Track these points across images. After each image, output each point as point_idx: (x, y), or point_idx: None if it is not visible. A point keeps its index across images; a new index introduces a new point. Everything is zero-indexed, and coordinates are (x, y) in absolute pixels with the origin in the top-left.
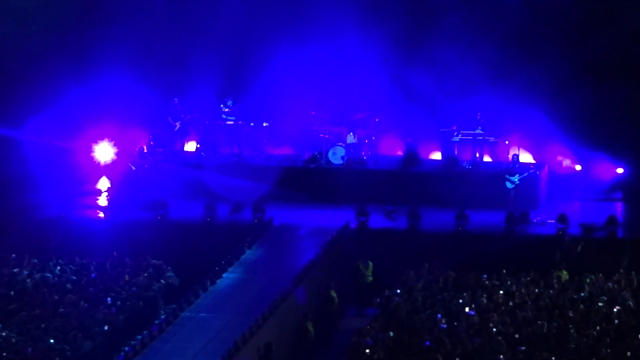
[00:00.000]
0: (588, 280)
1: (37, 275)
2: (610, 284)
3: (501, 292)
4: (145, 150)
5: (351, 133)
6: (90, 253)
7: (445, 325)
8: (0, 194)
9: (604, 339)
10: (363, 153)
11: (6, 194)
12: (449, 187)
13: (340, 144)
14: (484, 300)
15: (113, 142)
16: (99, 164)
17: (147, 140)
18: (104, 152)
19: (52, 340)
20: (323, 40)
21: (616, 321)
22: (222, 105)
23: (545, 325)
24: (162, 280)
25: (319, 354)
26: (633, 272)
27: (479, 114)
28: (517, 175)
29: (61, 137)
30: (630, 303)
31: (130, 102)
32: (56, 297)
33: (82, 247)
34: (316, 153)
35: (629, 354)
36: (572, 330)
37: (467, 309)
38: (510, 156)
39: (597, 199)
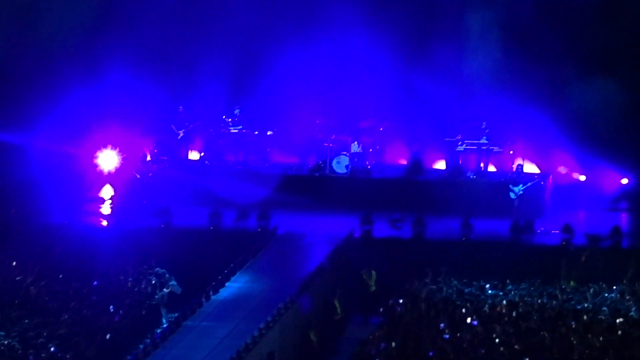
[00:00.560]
0: (592, 290)
1: (42, 283)
2: (613, 295)
3: (504, 302)
4: (149, 158)
5: (355, 142)
6: (94, 260)
7: (448, 335)
8: (4, 200)
9: (607, 350)
10: (367, 162)
11: (10, 200)
12: (453, 196)
13: (345, 153)
14: (487, 310)
15: (117, 149)
16: (103, 171)
17: (151, 147)
18: (108, 159)
19: (53, 349)
20: (328, 48)
21: (619, 332)
22: (224, 116)
23: (548, 336)
24: (165, 289)
25: None
26: (637, 283)
27: (484, 123)
28: (521, 185)
29: (66, 143)
30: (634, 314)
31: (135, 108)
32: (59, 305)
33: (85, 254)
34: (320, 162)
35: None
36: (575, 341)
37: (470, 319)
38: (514, 166)
39: (603, 209)
